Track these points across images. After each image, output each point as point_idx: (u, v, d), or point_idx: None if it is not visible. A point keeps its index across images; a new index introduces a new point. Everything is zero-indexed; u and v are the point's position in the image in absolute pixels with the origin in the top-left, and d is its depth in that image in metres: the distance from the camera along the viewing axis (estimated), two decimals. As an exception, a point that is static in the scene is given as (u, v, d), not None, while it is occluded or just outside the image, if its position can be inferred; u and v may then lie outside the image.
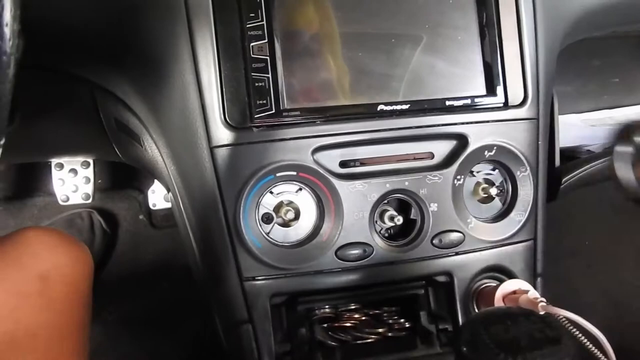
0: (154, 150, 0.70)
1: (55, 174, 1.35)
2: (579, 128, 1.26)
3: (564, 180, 0.89)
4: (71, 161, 1.33)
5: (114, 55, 0.65)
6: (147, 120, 0.67)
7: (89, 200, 1.37)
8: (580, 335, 0.54)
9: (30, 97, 0.69)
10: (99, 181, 1.44)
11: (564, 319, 0.54)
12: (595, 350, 0.55)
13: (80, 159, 1.20)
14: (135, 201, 1.51)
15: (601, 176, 0.97)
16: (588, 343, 0.55)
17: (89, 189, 1.36)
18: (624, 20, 0.88)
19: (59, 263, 0.57)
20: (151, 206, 1.45)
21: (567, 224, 1.66)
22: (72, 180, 1.35)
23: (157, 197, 1.44)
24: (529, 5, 0.67)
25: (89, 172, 1.35)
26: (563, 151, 1.00)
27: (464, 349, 0.39)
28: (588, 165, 0.92)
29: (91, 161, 1.35)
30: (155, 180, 1.43)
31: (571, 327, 0.54)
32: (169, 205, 1.44)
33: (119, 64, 0.65)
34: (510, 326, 0.39)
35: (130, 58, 0.64)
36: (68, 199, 1.36)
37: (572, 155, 1.06)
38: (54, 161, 1.34)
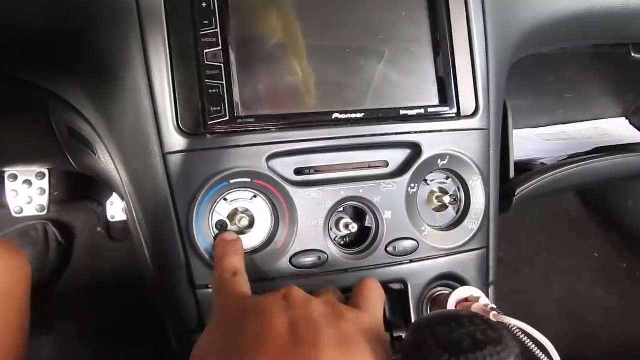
0: (107, 158, 0.69)
1: (8, 185, 1.31)
2: (534, 142, 1.30)
3: (517, 191, 0.91)
4: (25, 171, 1.30)
5: (64, 60, 0.64)
6: (99, 128, 0.66)
7: (44, 212, 1.34)
8: (530, 343, 0.55)
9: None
10: (55, 193, 1.41)
11: (515, 328, 0.55)
12: (545, 358, 0.56)
13: (35, 169, 1.17)
14: (93, 213, 1.48)
15: (554, 188, 1.00)
16: (538, 351, 0.56)
17: (44, 200, 1.33)
18: (572, 36, 0.91)
19: None
20: (109, 218, 1.42)
21: (525, 237, 1.71)
22: (27, 192, 1.31)
23: (116, 209, 1.41)
24: (480, 21, 0.69)
25: (44, 183, 1.32)
26: (518, 164, 1.02)
27: (409, 352, 0.40)
28: (541, 177, 0.94)
29: (46, 172, 1.32)
30: (114, 192, 1.41)
31: (522, 336, 0.55)
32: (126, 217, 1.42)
33: (70, 69, 0.64)
34: (455, 328, 0.40)
35: (81, 64, 0.63)
36: (22, 210, 1.32)
37: (527, 168, 1.09)
38: (7, 172, 1.31)
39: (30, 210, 1.32)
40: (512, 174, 0.96)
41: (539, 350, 0.55)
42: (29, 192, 1.30)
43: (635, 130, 1.41)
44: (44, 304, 1.35)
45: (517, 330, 0.55)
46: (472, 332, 0.39)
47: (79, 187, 1.46)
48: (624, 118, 1.44)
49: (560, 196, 1.79)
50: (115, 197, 1.41)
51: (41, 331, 1.32)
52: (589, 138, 1.34)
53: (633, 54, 1.13)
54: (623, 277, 1.63)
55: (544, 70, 1.26)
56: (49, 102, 0.71)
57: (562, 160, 1.03)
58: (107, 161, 0.70)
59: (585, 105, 1.40)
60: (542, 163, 1.12)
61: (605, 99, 1.41)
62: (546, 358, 0.55)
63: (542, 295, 1.55)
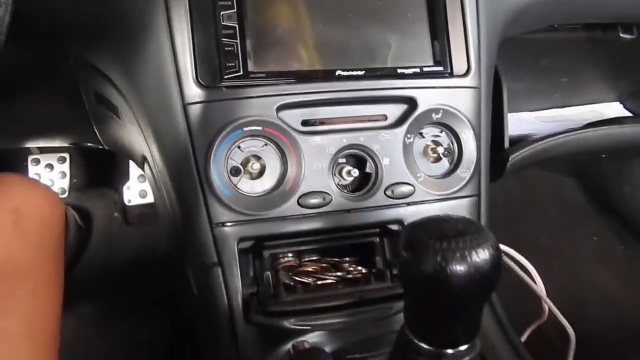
0: (131, 118, 0.76)
1: (31, 168, 1.38)
2: (531, 123, 1.36)
3: (511, 157, 0.97)
4: (47, 156, 1.37)
5: (97, 26, 0.71)
6: (124, 88, 0.73)
7: (65, 195, 1.41)
8: (513, 265, 0.61)
9: (7, 73, 0.75)
10: (74, 180, 1.48)
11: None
12: (527, 279, 0.62)
13: (57, 144, 1.24)
14: (110, 200, 1.55)
15: (546, 156, 1.06)
16: (522, 273, 0.62)
17: (65, 183, 1.40)
18: (560, 15, 0.97)
19: (31, 200, 0.61)
20: (126, 202, 1.48)
21: (526, 223, 1.75)
22: (48, 175, 1.39)
23: (132, 193, 1.48)
24: None
25: (65, 167, 1.39)
26: (513, 139, 1.08)
27: (403, 244, 0.46)
28: (534, 145, 1.00)
29: (67, 156, 1.39)
30: (131, 177, 1.48)
31: (505, 259, 0.61)
32: (144, 201, 1.49)
33: (102, 34, 0.71)
34: (441, 224, 0.46)
35: (111, 28, 0.70)
36: (44, 193, 1.39)
37: (521, 141, 1.14)
38: (31, 157, 1.38)
39: (52, 193, 1.39)
40: (506, 144, 1.03)
41: (523, 273, 0.61)
42: (51, 175, 1.38)
43: (630, 114, 1.46)
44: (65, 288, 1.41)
45: (502, 254, 0.61)
46: (456, 225, 0.45)
47: (97, 174, 1.53)
48: (618, 102, 1.49)
49: (560, 183, 1.84)
50: (132, 182, 1.47)
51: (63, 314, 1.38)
52: (584, 121, 1.40)
53: (622, 34, 1.19)
54: (622, 260, 1.67)
55: (540, 54, 1.32)
56: (77, 68, 0.79)
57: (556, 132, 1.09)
58: (132, 123, 0.77)
59: (580, 90, 1.45)
60: (538, 137, 1.18)
61: (600, 84, 1.47)
62: (528, 279, 0.61)
63: (543, 276, 1.59)
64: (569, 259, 1.68)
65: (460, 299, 0.44)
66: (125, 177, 1.49)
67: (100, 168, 1.51)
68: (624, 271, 1.66)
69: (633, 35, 1.18)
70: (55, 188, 1.39)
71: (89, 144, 1.05)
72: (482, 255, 0.42)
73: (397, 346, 0.51)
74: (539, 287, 0.62)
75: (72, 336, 1.34)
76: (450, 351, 0.47)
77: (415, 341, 0.48)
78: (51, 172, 1.38)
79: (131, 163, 1.46)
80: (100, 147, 1.02)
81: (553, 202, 1.82)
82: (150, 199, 1.49)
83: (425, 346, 0.47)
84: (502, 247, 0.60)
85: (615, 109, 1.48)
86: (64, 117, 0.95)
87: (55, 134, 1.05)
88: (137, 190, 1.47)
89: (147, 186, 1.48)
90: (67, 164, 1.39)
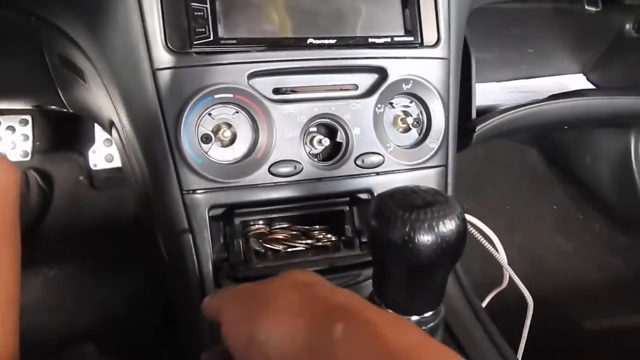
0: (98, 83, 0.74)
1: (-8, 131, 1.35)
2: (497, 93, 1.38)
3: (477, 128, 0.99)
4: (8, 118, 1.33)
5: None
6: (91, 52, 0.71)
7: (28, 158, 1.38)
8: (478, 235, 0.63)
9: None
10: (37, 143, 1.44)
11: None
12: (490, 247, 0.64)
13: (19, 106, 1.21)
14: (75, 163, 1.52)
15: (512, 127, 1.08)
16: (484, 241, 0.64)
17: (28, 146, 1.37)
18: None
19: None
20: (92, 166, 1.46)
21: (491, 190, 1.81)
22: (10, 138, 1.35)
23: (98, 157, 1.45)
24: None
25: (28, 129, 1.36)
26: (480, 109, 1.10)
27: (373, 215, 0.47)
28: (500, 116, 1.03)
29: (30, 118, 1.36)
30: (96, 140, 1.45)
31: (470, 228, 0.63)
32: (110, 165, 1.47)
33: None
34: (410, 194, 0.47)
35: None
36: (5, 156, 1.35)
37: (488, 112, 1.17)
38: (-9, 118, 1.34)
39: (14, 156, 1.36)
40: (473, 114, 1.05)
41: (485, 242, 0.64)
42: (13, 137, 1.34)
43: (592, 86, 1.50)
44: (27, 247, 1.40)
45: (467, 223, 0.63)
46: (424, 196, 0.47)
47: (61, 137, 1.49)
48: (582, 74, 1.53)
49: (524, 152, 1.89)
50: (97, 146, 1.45)
51: (26, 274, 1.37)
52: (549, 92, 1.43)
53: (587, 7, 1.21)
54: (580, 227, 1.74)
55: (507, 25, 1.33)
56: (41, 29, 0.76)
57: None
58: (98, 87, 0.75)
59: (546, 61, 1.48)
60: (504, 108, 1.20)
61: (565, 56, 1.49)
62: (491, 247, 0.64)
63: (505, 241, 1.65)
64: (530, 225, 1.75)
65: (426, 268, 0.45)
66: (91, 140, 1.47)
67: (64, 131, 1.48)
68: (580, 236, 1.73)
69: (598, 7, 1.21)
70: (17, 151, 1.36)
71: (53, 107, 1.02)
72: (448, 226, 0.44)
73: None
74: (501, 256, 0.65)
75: (37, 296, 1.33)
76: (415, 317, 0.49)
77: (383, 307, 0.50)
78: (13, 134, 1.35)
79: (97, 126, 1.43)
80: (65, 110, 1.00)
81: (516, 170, 1.88)
82: (116, 163, 1.47)
83: (392, 312, 0.49)
84: (468, 217, 0.62)
85: (579, 81, 1.51)
86: (26, 78, 0.92)
87: (16, 96, 1.02)
88: (103, 154, 1.45)
89: (113, 150, 1.46)
90: (29, 127, 1.36)
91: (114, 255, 1.40)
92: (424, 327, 0.49)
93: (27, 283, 1.34)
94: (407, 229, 0.44)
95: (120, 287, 1.32)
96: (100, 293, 1.34)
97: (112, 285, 1.34)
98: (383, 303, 0.50)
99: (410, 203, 0.46)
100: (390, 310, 0.50)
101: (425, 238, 0.44)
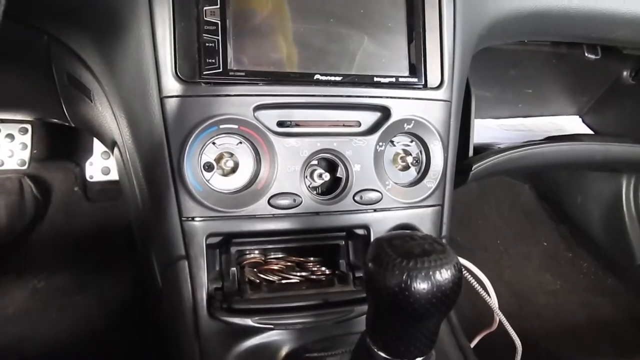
0: (104, 104, 0.75)
1: (-9, 138, 1.35)
2: (495, 130, 1.40)
3: (474, 167, 1.01)
4: (9, 126, 1.34)
5: (75, 7, 0.69)
6: (100, 73, 0.72)
7: (25, 167, 1.38)
8: (470, 278, 0.64)
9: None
10: (34, 151, 1.44)
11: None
12: (482, 291, 0.65)
13: (21, 117, 1.21)
14: (71, 174, 1.52)
15: (507, 167, 1.10)
16: (476, 284, 0.65)
17: (26, 155, 1.37)
18: (532, 31, 1.01)
19: None
20: (88, 178, 1.46)
21: (483, 224, 1.82)
22: (8, 145, 1.35)
23: (95, 169, 1.46)
24: (450, 7, 0.78)
25: (27, 138, 1.36)
26: (477, 147, 1.12)
27: (371, 260, 0.48)
28: (496, 156, 1.04)
29: (29, 127, 1.36)
30: (94, 152, 1.45)
31: (466, 274, 0.64)
32: (105, 178, 1.47)
33: (80, 17, 0.70)
34: (408, 241, 0.48)
35: (90, 11, 0.69)
36: (3, 163, 1.36)
37: (485, 150, 1.19)
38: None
39: (11, 164, 1.36)
40: (471, 153, 1.06)
41: (478, 286, 0.65)
42: (11, 145, 1.34)
43: (588, 129, 1.53)
44: (18, 255, 1.39)
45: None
46: (422, 244, 0.48)
47: (59, 147, 1.50)
48: (577, 116, 1.55)
49: (517, 188, 1.91)
50: (94, 158, 1.45)
51: (14, 283, 1.36)
52: (545, 131, 1.45)
53: (586, 54, 1.24)
54: (568, 265, 1.75)
55: (507, 65, 1.36)
56: (53, 49, 0.77)
57: (517, 144, 1.14)
58: (104, 107, 0.76)
59: (543, 102, 1.51)
60: (499, 147, 1.22)
61: (562, 98, 1.52)
62: (483, 292, 0.65)
63: (493, 276, 1.66)
64: (519, 261, 1.76)
65: (421, 315, 0.46)
66: (89, 152, 1.47)
67: (63, 141, 1.48)
68: (568, 274, 1.74)
69: (597, 55, 1.23)
70: (15, 159, 1.36)
71: (54, 120, 1.03)
72: (444, 275, 0.45)
73: (356, 353, 0.53)
74: (493, 300, 0.65)
75: (23, 306, 1.33)
76: (407, 362, 0.50)
77: (375, 350, 0.50)
78: (12, 142, 1.35)
79: (95, 139, 1.43)
80: (67, 124, 1.00)
81: (509, 206, 1.90)
82: (112, 176, 1.47)
83: (383, 355, 0.50)
84: (462, 260, 0.63)
85: (575, 123, 1.54)
86: (32, 92, 0.93)
87: (19, 108, 1.03)
88: (99, 166, 1.45)
89: (110, 163, 1.46)
90: (28, 136, 1.36)
91: (102, 268, 1.39)
92: (414, 372, 0.50)
93: (14, 294, 1.33)
94: (404, 277, 0.45)
95: (106, 300, 1.32)
96: (85, 305, 1.33)
97: (98, 297, 1.34)
98: (375, 346, 0.50)
99: (408, 250, 0.47)
100: (382, 353, 0.50)
101: (421, 286, 0.44)
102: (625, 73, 1.41)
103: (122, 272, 1.35)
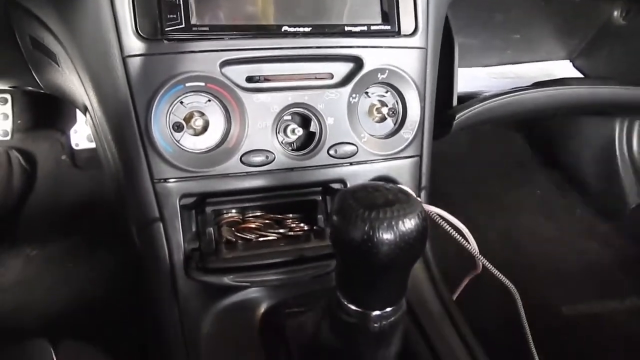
0: (70, 66, 0.73)
1: (-30, 110, 1.33)
2: (482, 79, 1.37)
3: (457, 116, 0.99)
4: (-13, 97, 1.32)
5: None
6: (61, 35, 0.70)
7: (8, 137, 1.37)
8: (448, 228, 0.64)
9: None
10: (18, 121, 1.43)
11: (434, 214, 0.63)
12: (461, 239, 0.65)
13: (-2, 87, 1.19)
14: (57, 142, 1.51)
15: (492, 115, 1.08)
16: (455, 234, 0.64)
17: (8, 125, 1.35)
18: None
19: None
20: (74, 146, 1.45)
21: (475, 174, 1.81)
22: (-11, 117, 1.33)
23: (80, 136, 1.44)
24: None
25: (7, 108, 1.34)
26: (463, 96, 1.10)
27: (335, 212, 0.47)
28: (480, 104, 1.02)
29: (9, 97, 1.34)
30: (78, 120, 1.43)
31: (440, 221, 0.64)
32: (92, 145, 1.45)
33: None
34: (372, 193, 0.47)
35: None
36: (-15, 135, 1.35)
37: (471, 98, 1.16)
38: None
39: (-6, 135, 1.35)
40: (454, 102, 1.04)
41: (456, 233, 0.64)
42: (-8, 117, 1.33)
43: (578, 73, 1.50)
44: (10, 227, 1.40)
45: (436, 216, 0.63)
46: (386, 194, 0.47)
47: (42, 116, 1.48)
48: (568, 61, 1.52)
49: (509, 138, 1.89)
50: (79, 125, 1.43)
51: (8, 254, 1.37)
52: (534, 78, 1.42)
53: (574, -6, 1.20)
54: (561, 211, 1.75)
55: (492, 9, 1.32)
56: (11, 12, 0.74)
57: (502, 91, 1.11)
58: (70, 71, 0.74)
59: (532, 47, 1.47)
60: (484, 96, 1.20)
61: (552, 42, 1.48)
62: (461, 238, 0.64)
63: (487, 225, 1.66)
64: (512, 208, 1.76)
65: (387, 265, 0.46)
66: (73, 119, 1.45)
67: (45, 110, 1.46)
68: (562, 220, 1.74)
69: (585, -6, 1.19)
70: (-2, 130, 1.35)
71: (30, 88, 1.01)
72: (407, 225, 0.44)
73: (328, 306, 0.53)
74: (472, 246, 0.65)
75: (18, 276, 1.34)
76: (377, 312, 0.50)
77: (345, 303, 0.50)
78: (-8, 113, 1.33)
79: (77, 106, 1.41)
80: (42, 91, 0.98)
81: (502, 155, 1.88)
82: (98, 143, 1.46)
83: (353, 307, 0.50)
84: (435, 209, 0.62)
85: (565, 67, 1.51)
86: (1, 60, 0.90)
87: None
88: (84, 134, 1.44)
89: (95, 130, 1.45)
90: (9, 106, 1.34)
91: (94, 235, 1.40)
92: (384, 322, 0.50)
93: (9, 263, 1.34)
94: (366, 228, 0.44)
95: (99, 267, 1.32)
96: (79, 273, 1.34)
97: (91, 265, 1.34)
98: (345, 299, 0.50)
99: (371, 201, 0.46)
100: (352, 306, 0.50)
101: (385, 237, 0.44)
102: (615, 13, 1.37)
103: (113, 238, 1.35)
